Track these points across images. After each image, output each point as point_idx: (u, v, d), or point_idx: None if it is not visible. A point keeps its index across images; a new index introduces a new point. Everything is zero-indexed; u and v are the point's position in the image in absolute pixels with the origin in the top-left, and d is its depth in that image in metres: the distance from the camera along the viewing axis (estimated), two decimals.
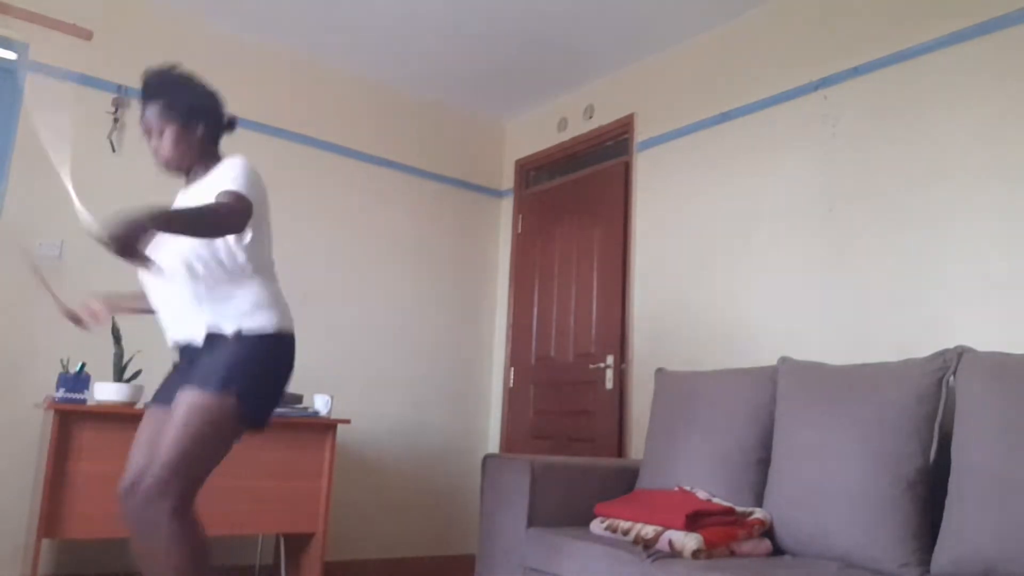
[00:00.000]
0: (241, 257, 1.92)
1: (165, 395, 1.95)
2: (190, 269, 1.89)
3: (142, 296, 2.12)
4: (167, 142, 1.99)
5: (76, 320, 2.09)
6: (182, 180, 2.08)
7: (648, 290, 3.64)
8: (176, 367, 2.02)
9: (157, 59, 3.85)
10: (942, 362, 2.11)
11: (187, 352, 1.97)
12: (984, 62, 2.55)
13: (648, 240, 3.69)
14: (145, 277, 2.02)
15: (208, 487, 2.84)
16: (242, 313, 1.90)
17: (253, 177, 1.93)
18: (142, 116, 2.01)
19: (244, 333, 1.88)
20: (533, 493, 2.57)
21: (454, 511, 4.25)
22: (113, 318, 2.92)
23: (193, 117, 2.00)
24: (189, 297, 1.91)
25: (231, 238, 1.89)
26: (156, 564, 1.76)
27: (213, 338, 1.89)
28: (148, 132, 2.01)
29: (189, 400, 1.80)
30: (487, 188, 4.70)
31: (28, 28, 3.30)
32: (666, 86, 3.75)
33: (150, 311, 2.11)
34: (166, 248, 1.90)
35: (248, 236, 1.92)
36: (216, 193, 1.82)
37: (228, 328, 1.88)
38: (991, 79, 2.52)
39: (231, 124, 2.13)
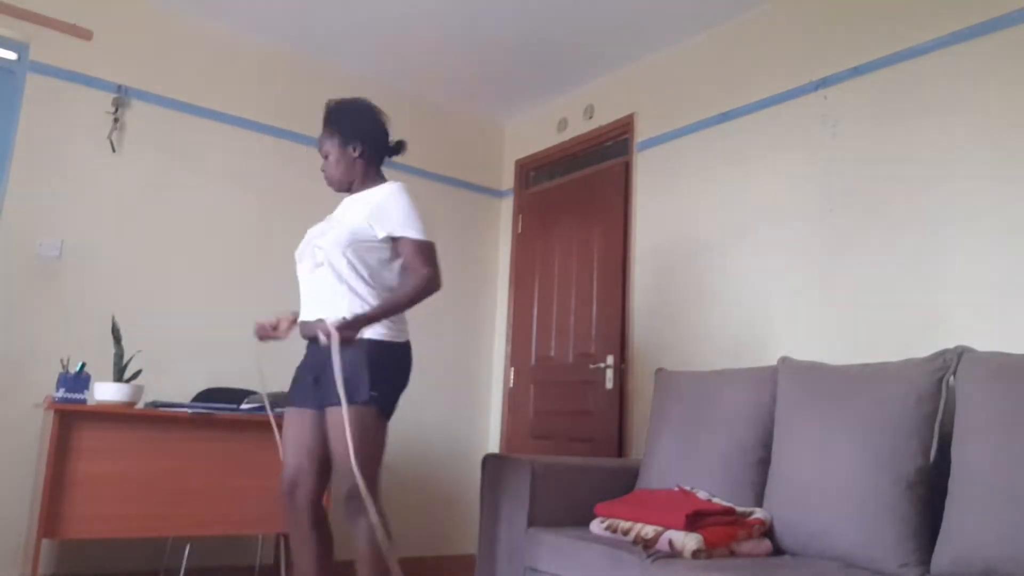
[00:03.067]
0: (390, 278, 2.25)
1: (302, 398, 2.28)
2: (342, 268, 2.18)
3: None
4: (330, 162, 2.35)
5: (264, 334, 2.41)
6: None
7: (648, 290, 3.64)
8: (306, 363, 2.32)
9: (157, 59, 3.85)
10: (942, 362, 2.11)
11: (314, 349, 2.24)
12: (984, 62, 2.55)
13: (648, 240, 3.69)
14: (301, 268, 2.33)
15: (208, 487, 2.86)
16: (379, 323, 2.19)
17: (417, 207, 2.27)
18: (319, 141, 2.38)
19: (378, 340, 2.19)
20: (533, 493, 2.57)
21: (454, 511, 4.25)
22: (113, 318, 2.93)
23: (353, 139, 2.32)
24: (331, 294, 2.19)
25: (385, 258, 2.24)
26: (310, 560, 2.19)
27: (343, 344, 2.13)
28: (324, 157, 2.36)
29: (349, 414, 2.07)
30: (487, 188, 4.70)
31: (28, 28, 3.30)
32: (666, 86, 3.75)
33: None
34: (328, 241, 2.20)
35: (400, 261, 2.26)
36: (389, 231, 2.20)
37: (365, 333, 2.17)
38: (991, 79, 2.52)
39: (398, 147, 2.42)
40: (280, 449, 2.30)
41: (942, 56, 2.67)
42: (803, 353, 2.67)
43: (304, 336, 2.30)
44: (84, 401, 2.74)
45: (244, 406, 3.00)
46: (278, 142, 3.91)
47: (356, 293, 2.20)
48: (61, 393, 2.70)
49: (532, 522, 2.55)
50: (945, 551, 1.89)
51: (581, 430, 3.82)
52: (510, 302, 4.49)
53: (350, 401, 2.09)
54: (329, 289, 2.22)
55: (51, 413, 2.66)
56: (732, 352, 3.13)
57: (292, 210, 3.91)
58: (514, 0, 3.44)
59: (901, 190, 2.71)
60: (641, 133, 3.83)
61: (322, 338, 2.08)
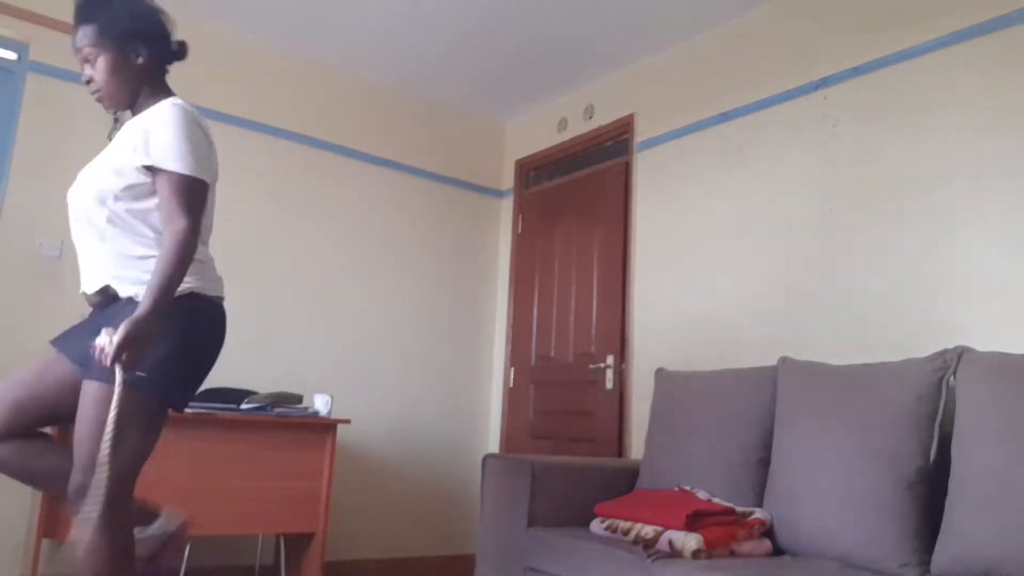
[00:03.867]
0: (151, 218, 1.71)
1: (67, 345, 1.78)
2: (101, 224, 1.71)
3: None
4: (101, 72, 1.74)
5: None
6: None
7: (648, 290, 3.64)
8: (85, 321, 1.83)
9: None
10: (942, 362, 2.11)
11: (98, 315, 1.78)
12: (984, 62, 2.55)
13: (648, 240, 3.69)
14: (73, 224, 1.84)
15: (209, 487, 2.86)
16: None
17: (194, 137, 1.70)
18: (72, 40, 1.75)
19: (179, 295, 1.65)
20: (533, 493, 2.57)
21: (454, 511, 4.25)
22: None
23: (132, 42, 1.75)
24: (99, 259, 1.74)
25: (155, 199, 1.70)
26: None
27: (117, 299, 1.71)
28: (82, 60, 1.75)
29: (94, 395, 1.60)
30: (487, 188, 4.70)
31: (28, 28, 3.30)
32: (666, 86, 3.75)
33: None
34: (84, 191, 1.74)
35: None
36: (143, 161, 1.64)
37: (130, 291, 1.68)
38: (991, 79, 2.52)
39: (181, 50, 1.87)
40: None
41: (942, 56, 2.66)
42: (803, 353, 2.67)
43: (86, 293, 1.86)
44: None
45: (244, 406, 3.00)
46: (278, 142, 3.91)
47: (129, 258, 1.70)
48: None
49: (532, 522, 2.55)
50: (945, 551, 1.89)
51: (581, 430, 3.82)
52: (510, 302, 4.49)
53: (128, 385, 1.55)
54: (95, 253, 1.75)
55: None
56: (732, 352, 3.13)
57: (292, 210, 3.92)
58: (514, 0, 3.44)
59: (901, 190, 2.71)
60: (641, 133, 3.83)
61: (100, 356, 1.55)
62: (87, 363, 1.64)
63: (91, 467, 1.56)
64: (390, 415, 4.09)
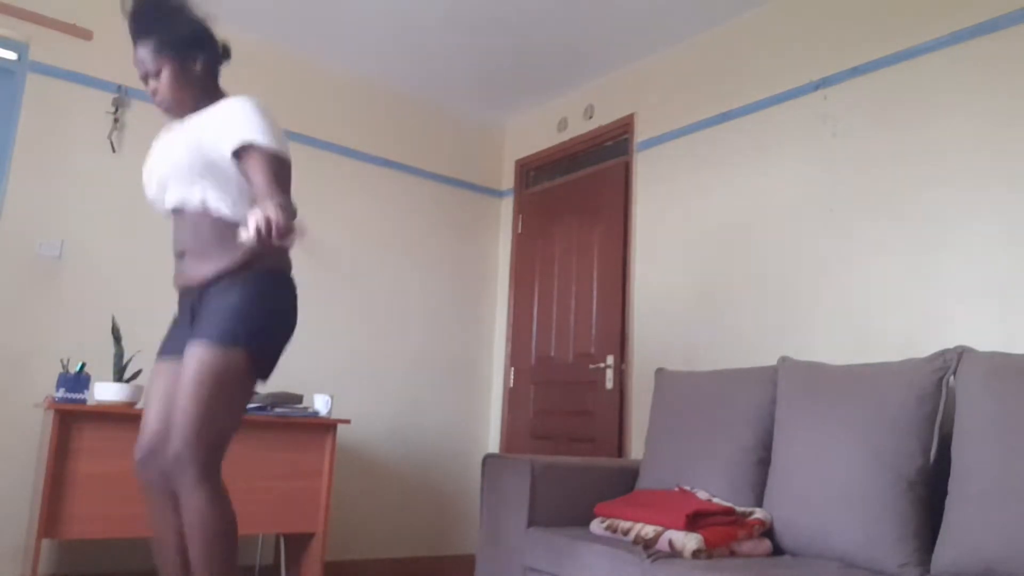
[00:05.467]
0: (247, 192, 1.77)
1: (173, 345, 1.81)
2: (202, 204, 1.76)
3: None
4: (166, 83, 1.82)
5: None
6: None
7: (648, 290, 3.64)
8: (178, 316, 1.88)
9: None
10: (942, 362, 2.11)
11: (187, 297, 1.83)
12: (984, 62, 2.55)
13: (648, 240, 3.69)
14: (172, 220, 1.88)
15: None
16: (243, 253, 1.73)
17: (274, 121, 1.79)
18: (135, 57, 1.83)
19: (269, 271, 1.74)
20: (533, 493, 2.57)
21: (454, 511, 4.25)
22: (113, 318, 2.92)
23: (191, 50, 1.83)
24: (194, 235, 1.78)
25: (243, 182, 1.75)
26: (175, 543, 1.66)
27: (215, 282, 1.75)
28: (145, 75, 1.83)
29: (198, 358, 1.65)
30: (487, 188, 4.70)
31: (28, 28, 3.30)
32: (666, 86, 3.75)
33: None
34: (180, 181, 1.77)
35: None
36: (233, 139, 1.68)
37: (229, 267, 1.73)
38: (991, 79, 2.52)
39: (226, 52, 1.96)
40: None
41: (942, 56, 2.67)
42: (803, 353, 2.67)
43: (183, 287, 1.86)
44: (84, 401, 2.74)
45: None
46: None
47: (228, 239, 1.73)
48: (61, 393, 2.70)
49: (532, 522, 2.55)
50: (945, 551, 1.89)
51: (581, 430, 3.82)
52: (510, 302, 4.50)
53: (211, 338, 1.63)
54: (195, 237, 1.77)
55: (51, 413, 2.66)
56: (732, 352, 3.13)
57: None
58: (514, 1, 3.44)
59: (901, 190, 2.71)
60: (641, 133, 3.83)
61: (248, 233, 1.51)
62: (182, 340, 1.72)
63: (192, 434, 1.59)
64: (390, 415, 4.09)
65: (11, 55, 3.31)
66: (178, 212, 1.83)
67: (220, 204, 1.76)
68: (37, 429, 3.06)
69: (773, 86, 3.22)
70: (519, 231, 4.55)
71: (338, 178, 4.09)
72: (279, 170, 1.71)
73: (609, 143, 4.08)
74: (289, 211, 1.55)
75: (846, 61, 2.96)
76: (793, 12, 3.22)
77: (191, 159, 1.74)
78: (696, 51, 3.64)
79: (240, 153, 1.72)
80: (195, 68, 1.85)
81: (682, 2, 3.37)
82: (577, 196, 4.17)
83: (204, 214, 1.77)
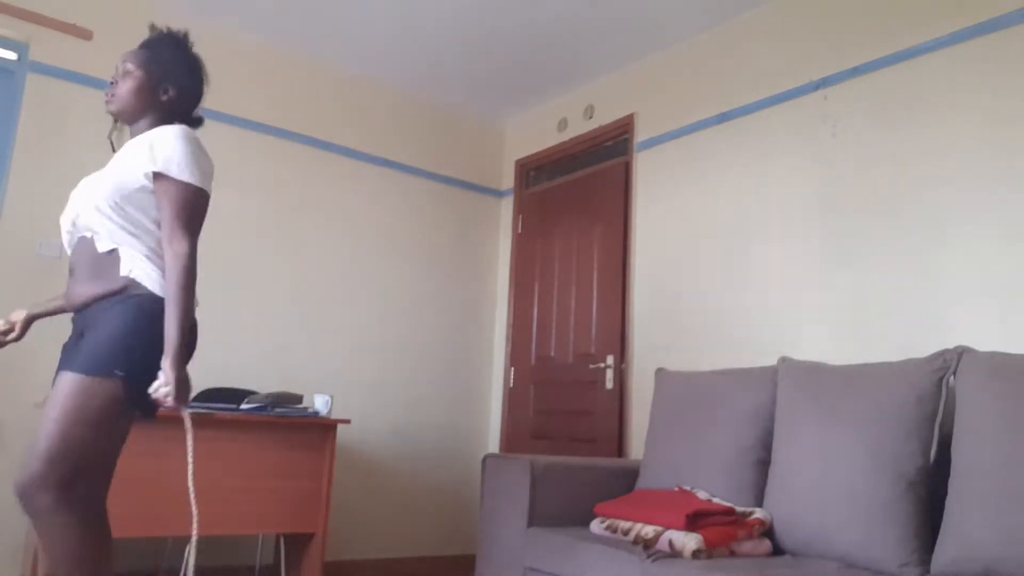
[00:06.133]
0: (152, 226, 1.77)
1: (62, 363, 1.77)
2: (97, 223, 1.75)
3: (62, 296, 1.99)
4: (127, 84, 1.85)
5: None
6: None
7: (648, 290, 3.64)
8: (68, 342, 1.85)
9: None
10: (942, 362, 2.11)
11: (79, 319, 1.80)
12: (984, 62, 2.55)
13: (648, 240, 3.69)
14: (65, 234, 1.87)
15: (208, 487, 2.85)
16: (129, 272, 1.72)
17: (200, 153, 1.79)
18: (123, 55, 1.89)
19: (129, 294, 1.70)
20: (533, 493, 2.57)
21: (454, 511, 4.25)
22: None
23: (167, 82, 1.88)
24: (90, 257, 1.76)
25: (149, 204, 1.76)
26: (52, 561, 1.62)
27: (94, 303, 1.73)
28: (116, 69, 1.88)
29: (67, 386, 1.62)
30: (487, 188, 4.70)
31: (28, 28, 3.30)
32: (666, 86, 3.75)
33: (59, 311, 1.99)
34: (85, 201, 1.77)
35: None
36: (152, 167, 1.71)
37: (108, 291, 1.71)
38: (991, 79, 2.52)
39: (196, 121, 1.99)
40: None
41: (942, 56, 2.67)
42: (803, 353, 2.67)
43: (71, 309, 1.84)
44: None
45: (244, 406, 3.00)
46: (278, 142, 3.91)
47: (128, 256, 1.73)
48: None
49: (532, 522, 2.55)
50: (945, 551, 1.89)
51: (581, 430, 3.82)
52: (510, 302, 4.49)
53: (82, 368, 1.60)
54: (90, 261, 1.75)
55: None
56: (732, 352, 3.13)
57: (292, 209, 3.92)
58: (515, 1, 3.44)
59: (901, 190, 2.71)
60: (641, 133, 3.83)
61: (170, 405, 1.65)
62: (66, 360, 1.70)
63: (47, 456, 1.58)
64: (390, 415, 4.09)
65: (11, 55, 3.31)
66: (74, 226, 1.83)
67: (112, 239, 1.75)
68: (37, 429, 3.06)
69: (773, 86, 3.22)
70: (519, 231, 4.55)
71: (338, 178, 4.09)
72: (192, 204, 1.74)
73: (609, 143, 4.08)
74: (188, 314, 1.66)
75: (846, 61, 2.96)
76: (793, 12, 3.22)
77: (108, 188, 1.75)
78: (696, 51, 3.64)
79: (155, 181, 1.74)
80: (160, 96, 1.89)
81: (682, 2, 3.37)
82: (577, 196, 4.17)
83: (93, 243, 1.76)
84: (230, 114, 3.73)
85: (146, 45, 1.91)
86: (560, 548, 2.35)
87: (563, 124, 4.33)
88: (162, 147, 1.74)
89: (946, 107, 2.63)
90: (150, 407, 1.75)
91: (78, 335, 1.77)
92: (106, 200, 1.74)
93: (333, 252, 4.03)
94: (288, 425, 3.07)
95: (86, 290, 1.75)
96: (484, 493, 2.75)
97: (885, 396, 2.15)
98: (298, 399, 3.18)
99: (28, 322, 2.02)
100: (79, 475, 1.62)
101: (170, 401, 1.65)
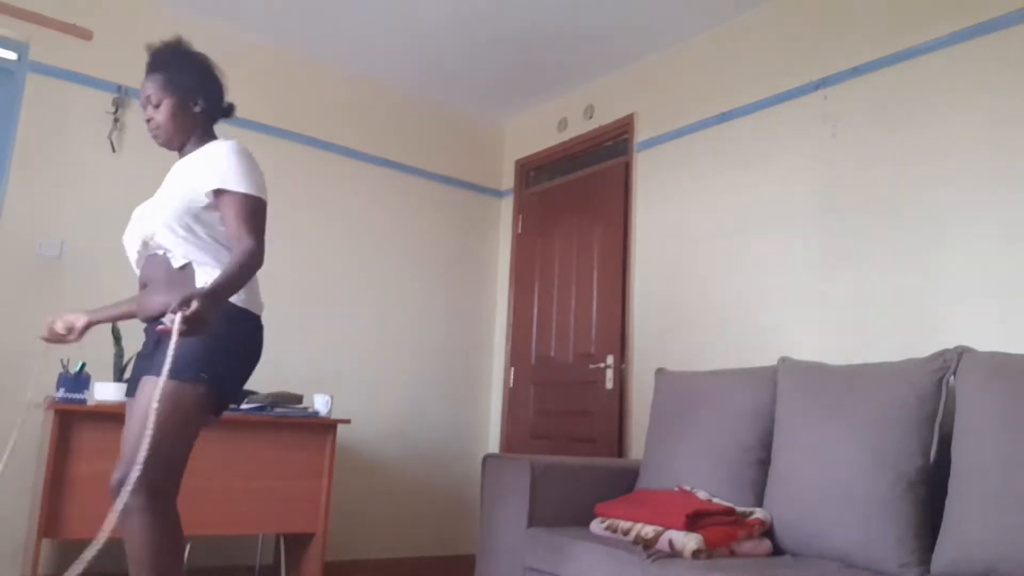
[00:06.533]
0: (223, 238, 1.88)
1: (136, 377, 1.88)
2: (174, 245, 1.85)
3: (123, 304, 2.16)
4: (163, 114, 1.95)
5: (55, 338, 2.07)
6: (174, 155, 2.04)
7: (648, 290, 3.64)
8: (142, 351, 1.93)
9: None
10: (942, 362, 2.11)
11: (152, 331, 1.88)
12: (984, 62, 2.55)
13: (648, 240, 3.69)
14: (132, 255, 1.99)
15: (208, 487, 2.85)
16: (205, 284, 1.79)
17: (252, 165, 1.92)
18: (143, 86, 1.96)
19: (228, 309, 1.80)
20: (533, 493, 2.57)
21: (454, 511, 4.25)
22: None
23: (192, 94, 1.97)
24: (164, 272, 1.86)
25: (215, 220, 1.87)
26: (133, 562, 1.70)
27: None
28: (146, 102, 1.96)
29: (156, 391, 1.66)
30: (487, 188, 4.70)
31: (28, 28, 3.30)
32: (666, 86, 3.75)
33: (128, 316, 2.11)
34: (155, 216, 1.87)
35: None
36: (213, 185, 1.82)
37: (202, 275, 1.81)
38: (991, 79, 2.52)
39: (228, 110, 2.11)
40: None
41: (942, 56, 2.67)
42: (803, 353, 2.67)
43: (144, 319, 1.93)
44: (84, 401, 2.74)
45: (244, 406, 3.00)
46: (278, 142, 3.91)
47: (202, 271, 1.84)
48: (61, 393, 2.70)
49: (532, 522, 2.55)
50: (945, 551, 1.89)
51: (581, 430, 3.82)
52: (510, 302, 4.49)
53: (173, 375, 1.65)
54: (165, 275, 1.86)
55: (51, 413, 2.66)
56: (732, 352, 3.13)
57: (292, 211, 3.92)
58: (514, 1, 3.44)
59: (901, 190, 2.71)
60: (641, 133, 3.83)
61: (166, 322, 1.63)
62: (148, 367, 1.79)
63: (144, 460, 1.60)
64: (390, 415, 4.09)
65: (11, 55, 3.31)
66: (145, 246, 1.92)
67: (185, 256, 1.85)
68: (37, 429, 3.06)
69: (773, 86, 3.22)
70: (519, 231, 4.55)
71: (338, 178, 4.09)
72: (253, 211, 1.85)
73: (609, 143, 4.08)
74: (227, 288, 1.71)
75: (846, 61, 2.96)
76: (793, 12, 3.22)
77: (176, 208, 1.85)
78: (696, 51, 3.64)
79: (217, 197, 1.85)
80: (193, 109, 1.98)
81: (682, 2, 3.37)
82: (577, 196, 4.17)
83: (167, 259, 1.86)
84: None
85: (157, 67, 1.97)
86: (560, 548, 2.35)
87: (563, 124, 4.33)
88: (218, 164, 1.86)
89: (946, 107, 2.63)
90: (221, 407, 1.87)
91: (155, 343, 1.83)
92: (176, 220, 1.84)
93: (333, 252, 4.03)
94: (288, 425, 3.07)
95: (165, 300, 1.80)
96: (484, 493, 2.75)
97: (885, 396, 2.15)
98: (298, 399, 3.18)
99: (88, 326, 2.10)
100: (168, 476, 1.73)
101: (174, 317, 1.58)
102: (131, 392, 1.91)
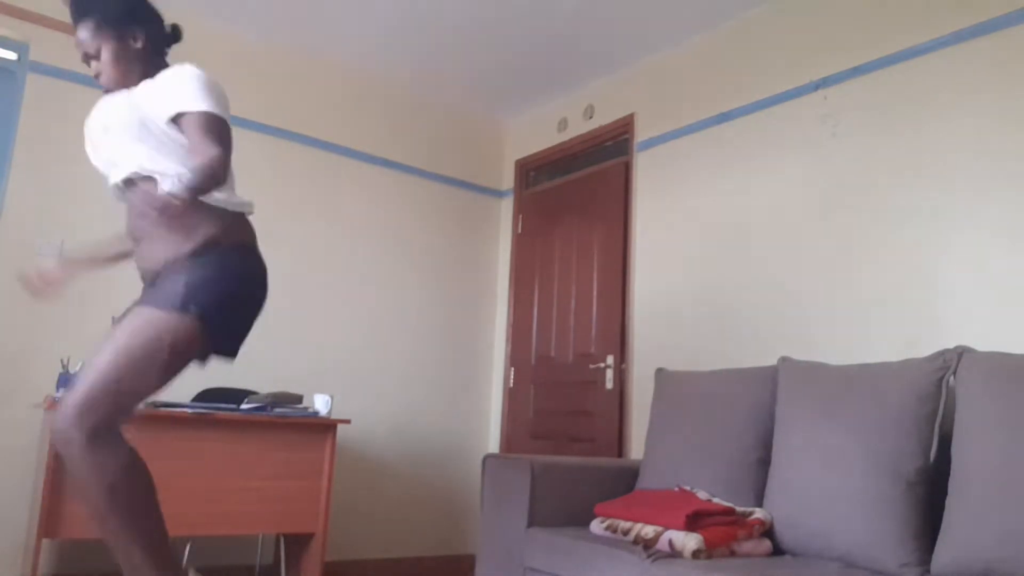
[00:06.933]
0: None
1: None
2: (143, 171, 1.73)
3: (106, 245, 1.99)
4: (107, 61, 1.80)
5: (33, 288, 1.93)
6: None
7: (648, 290, 3.64)
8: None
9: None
10: (942, 362, 2.11)
11: (149, 278, 1.80)
12: (984, 62, 2.55)
13: (648, 240, 3.69)
14: (124, 205, 1.86)
15: (208, 487, 2.85)
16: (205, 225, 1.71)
17: (215, 88, 1.78)
18: (76, 40, 1.81)
19: (207, 244, 1.70)
20: (533, 493, 2.57)
21: (454, 511, 4.25)
22: (113, 318, 2.92)
23: (129, 27, 1.82)
24: (146, 219, 1.73)
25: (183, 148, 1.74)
26: (96, 513, 1.53)
27: (175, 262, 1.72)
28: (86, 57, 1.82)
29: (140, 316, 1.59)
30: (487, 188, 4.70)
31: (28, 28, 3.30)
32: (666, 86, 3.75)
33: (118, 258, 1.97)
34: (123, 152, 1.75)
35: None
36: (175, 110, 1.69)
37: (188, 245, 1.70)
38: (991, 79, 2.52)
39: (175, 33, 1.95)
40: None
41: (942, 56, 2.67)
42: (803, 353, 2.67)
43: (141, 270, 1.83)
44: None
45: (244, 406, 3.00)
46: (278, 141, 3.91)
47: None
48: (61, 393, 2.70)
49: (532, 522, 2.55)
50: (945, 551, 1.89)
51: (581, 430, 3.82)
52: (510, 302, 4.49)
53: (157, 303, 1.59)
54: (148, 220, 1.73)
55: (51, 413, 2.66)
56: (732, 352, 3.13)
57: (292, 209, 3.92)
58: (514, 1, 3.44)
59: (901, 190, 2.71)
60: (641, 133, 3.83)
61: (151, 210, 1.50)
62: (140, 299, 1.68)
63: (92, 390, 1.51)
64: (390, 415, 4.09)
65: (11, 55, 3.31)
66: (129, 187, 1.79)
67: (158, 168, 1.73)
68: (37, 429, 3.06)
69: (773, 86, 3.22)
70: (519, 231, 4.55)
71: (338, 178, 4.09)
72: (216, 127, 1.71)
73: (609, 143, 4.08)
74: (211, 168, 1.58)
75: (846, 61, 2.96)
76: (793, 12, 3.22)
77: (133, 131, 1.73)
78: (696, 51, 3.64)
79: (177, 120, 1.72)
80: (135, 44, 1.83)
81: (682, 2, 3.37)
82: (577, 196, 4.17)
83: (149, 191, 1.68)
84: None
85: (82, 12, 1.81)
86: (560, 548, 2.35)
87: (563, 124, 4.33)
88: (172, 89, 1.73)
89: (946, 107, 2.63)
90: (230, 344, 1.74)
91: (151, 284, 1.74)
92: (144, 148, 1.72)
93: (333, 252, 4.03)
94: (288, 425, 3.07)
95: (165, 252, 1.73)
96: (484, 493, 2.75)
97: (885, 396, 2.15)
98: (298, 399, 3.18)
99: (66, 276, 1.94)
100: (120, 411, 1.57)
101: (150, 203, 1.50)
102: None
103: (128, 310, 1.78)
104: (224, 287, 1.70)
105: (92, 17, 1.79)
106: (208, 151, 1.64)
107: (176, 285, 1.63)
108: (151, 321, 1.58)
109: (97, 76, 1.84)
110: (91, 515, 1.56)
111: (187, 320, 1.62)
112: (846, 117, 2.93)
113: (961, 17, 2.62)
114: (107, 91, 1.85)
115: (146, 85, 1.79)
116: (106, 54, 1.80)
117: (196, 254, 1.70)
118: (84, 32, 1.80)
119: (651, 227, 3.69)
